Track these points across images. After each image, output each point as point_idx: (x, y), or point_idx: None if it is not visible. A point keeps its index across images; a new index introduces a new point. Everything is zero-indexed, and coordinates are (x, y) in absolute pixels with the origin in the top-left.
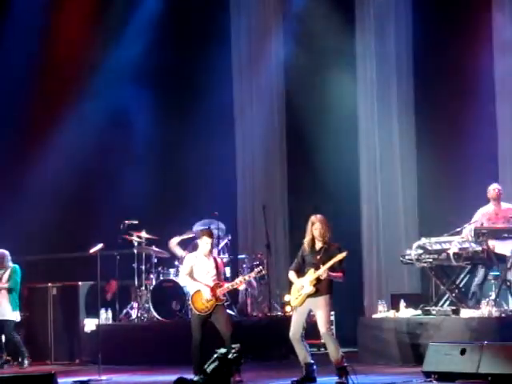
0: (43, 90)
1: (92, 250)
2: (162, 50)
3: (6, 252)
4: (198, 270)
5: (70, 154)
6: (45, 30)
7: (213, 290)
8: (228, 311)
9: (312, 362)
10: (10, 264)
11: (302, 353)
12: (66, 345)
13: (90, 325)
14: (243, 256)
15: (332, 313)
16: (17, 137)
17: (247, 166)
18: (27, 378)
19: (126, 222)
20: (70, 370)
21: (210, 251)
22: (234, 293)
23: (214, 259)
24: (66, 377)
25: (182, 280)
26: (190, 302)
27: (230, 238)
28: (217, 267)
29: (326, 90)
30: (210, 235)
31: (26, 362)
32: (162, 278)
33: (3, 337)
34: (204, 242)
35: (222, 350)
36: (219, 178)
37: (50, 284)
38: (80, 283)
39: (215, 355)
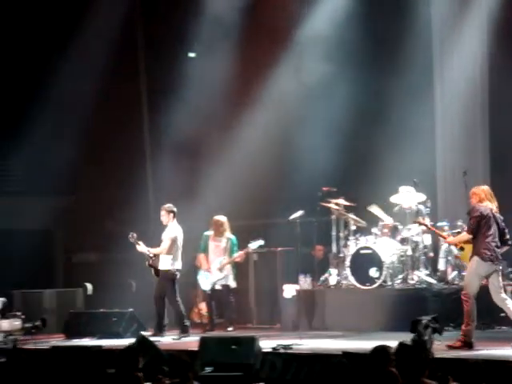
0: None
1: (292, 217)
2: (355, 18)
3: (225, 219)
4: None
5: (272, 120)
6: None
7: None
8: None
9: None
10: (229, 233)
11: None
12: (268, 309)
13: (289, 290)
14: (444, 223)
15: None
16: (218, 106)
17: (447, 131)
18: (231, 340)
19: (324, 189)
20: (272, 334)
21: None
22: (434, 261)
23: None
24: (268, 340)
25: None
26: None
27: (429, 205)
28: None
29: None
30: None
31: (231, 326)
32: (360, 245)
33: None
34: None
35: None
36: (418, 144)
37: (251, 250)
38: (279, 249)
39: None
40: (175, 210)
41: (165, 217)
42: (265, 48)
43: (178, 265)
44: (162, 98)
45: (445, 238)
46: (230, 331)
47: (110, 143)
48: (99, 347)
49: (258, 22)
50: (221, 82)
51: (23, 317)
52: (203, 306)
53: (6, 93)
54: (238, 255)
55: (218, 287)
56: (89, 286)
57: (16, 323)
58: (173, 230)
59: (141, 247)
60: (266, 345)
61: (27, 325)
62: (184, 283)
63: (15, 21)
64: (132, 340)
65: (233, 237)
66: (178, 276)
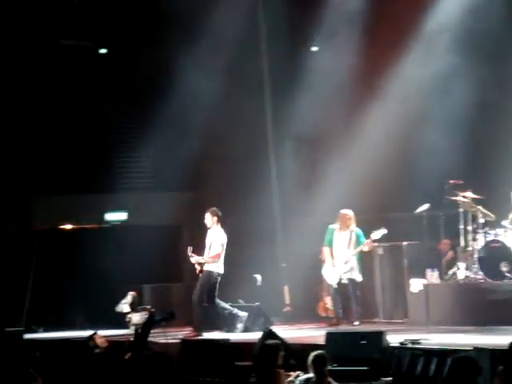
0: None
1: (418, 210)
2: (482, 8)
3: (351, 213)
4: None
5: (396, 112)
6: None
7: None
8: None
9: None
10: (354, 226)
11: None
12: (394, 304)
13: (416, 284)
14: None
15: None
16: (340, 99)
17: None
18: (358, 335)
19: (451, 181)
20: (399, 329)
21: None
22: None
23: None
24: (395, 335)
25: None
26: None
27: None
28: None
29: None
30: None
31: (358, 320)
32: (489, 239)
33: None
34: None
35: None
36: None
37: (376, 244)
38: (405, 243)
39: None
40: (220, 214)
41: (209, 220)
42: (389, 39)
43: (221, 269)
44: (284, 92)
45: None
46: (357, 325)
47: (233, 138)
48: (227, 340)
49: (383, 12)
50: (343, 75)
51: (153, 310)
52: (329, 300)
53: (135, 93)
54: (364, 244)
55: (344, 281)
56: None
57: (146, 316)
58: (222, 236)
59: (194, 258)
60: (394, 339)
61: (157, 318)
62: (309, 277)
63: (141, 22)
64: (259, 334)
65: (358, 230)
66: (218, 280)
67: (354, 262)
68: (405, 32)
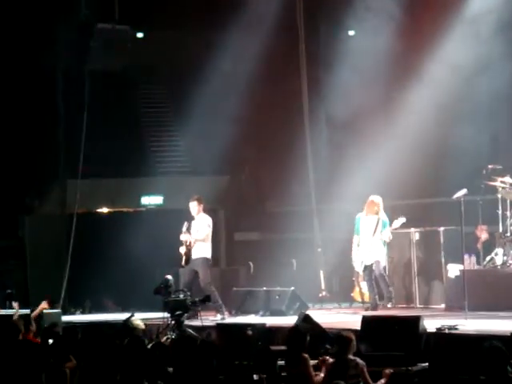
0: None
1: (455, 196)
2: None
3: (379, 199)
4: None
5: (434, 97)
6: None
7: None
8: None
9: None
10: (382, 214)
11: None
12: (431, 289)
13: (453, 270)
14: None
15: None
16: (377, 83)
17: None
18: (395, 320)
19: (489, 166)
20: (436, 315)
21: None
22: None
23: None
24: (432, 320)
25: None
26: None
27: None
28: None
29: None
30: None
31: (390, 303)
32: None
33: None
34: None
35: None
36: None
37: (412, 229)
38: (442, 228)
39: None
40: (203, 202)
41: (196, 208)
42: (431, 20)
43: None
44: (321, 76)
45: None
46: (390, 307)
47: (270, 123)
48: (263, 325)
49: None
50: (380, 59)
51: (188, 293)
52: (364, 285)
53: (172, 78)
54: (383, 235)
55: (372, 266)
56: (251, 265)
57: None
58: (208, 219)
59: (185, 236)
60: (430, 325)
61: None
62: (345, 262)
63: (176, 6)
64: (295, 318)
65: (385, 217)
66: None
67: (379, 247)
68: (447, 13)
